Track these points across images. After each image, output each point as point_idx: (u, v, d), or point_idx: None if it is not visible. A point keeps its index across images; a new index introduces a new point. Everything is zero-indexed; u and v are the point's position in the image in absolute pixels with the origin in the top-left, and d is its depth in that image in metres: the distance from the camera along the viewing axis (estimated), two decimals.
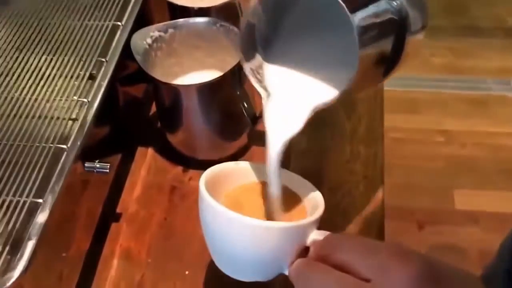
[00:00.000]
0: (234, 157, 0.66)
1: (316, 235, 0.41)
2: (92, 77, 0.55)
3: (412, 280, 0.33)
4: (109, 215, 0.62)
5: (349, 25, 0.38)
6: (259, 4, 0.43)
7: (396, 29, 0.42)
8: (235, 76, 0.59)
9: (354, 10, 0.38)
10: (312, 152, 0.67)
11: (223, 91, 0.60)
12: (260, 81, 0.46)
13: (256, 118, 0.65)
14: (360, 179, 0.63)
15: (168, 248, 0.59)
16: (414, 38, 0.43)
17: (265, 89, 0.46)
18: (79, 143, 0.50)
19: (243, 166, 0.50)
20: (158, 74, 0.60)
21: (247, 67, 0.46)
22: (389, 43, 0.43)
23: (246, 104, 0.63)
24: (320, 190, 0.47)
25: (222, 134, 0.64)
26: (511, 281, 0.66)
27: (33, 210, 0.45)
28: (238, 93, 0.62)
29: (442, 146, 1.70)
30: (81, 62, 0.56)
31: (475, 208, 1.53)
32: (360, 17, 0.38)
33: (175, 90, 0.60)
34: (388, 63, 0.44)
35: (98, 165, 0.54)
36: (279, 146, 0.44)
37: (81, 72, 0.56)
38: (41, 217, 0.44)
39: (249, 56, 0.46)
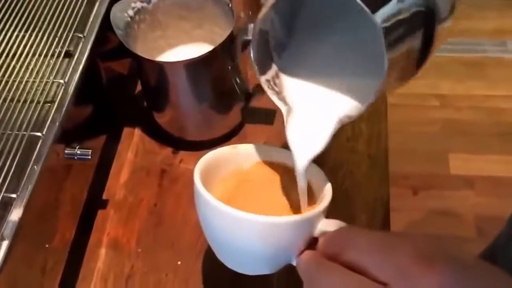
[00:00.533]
0: (227, 136, 0.62)
1: (324, 226, 0.38)
2: (68, 55, 0.51)
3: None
4: (95, 202, 0.58)
5: (371, 26, 0.34)
6: (271, 8, 0.38)
7: (424, 21, 0.37)
8: (226, 50, 0.55)
9: (375, 8, 0.33)
10: None
11: (213, 67, 0.56)
12: (278, 93, 0.42)
13: (250, 94, 0.61)
14: (363, 159, 0.59)
15: (158, 236, 0.56)
16: (443, 26, 0.38)
17: (285, 101, 0.42)
18: (56, 128, 0.46)
19: (240, 149, 0.46)
20: (142, 49, 0.55)
21: (263, 79, 0.42)
22: (418, 38, 0.38)
23: (239, 79, 0.59)
24: None
25: (213, 112, 0.60)
26: None
27: (7, 205, 0.41)
28: (229, 68, 0.57)
29: (437, 110, 1.68)
30: (56, 39, 0.52)
31: (470, 172, 1.52)
32: (383, 16, 0.34)
33: (160, 68, 0.55)
34: (417, 58, 0.39)
35: (79, 152, 0.50)
36: (305, 163, 0.40)
37: (56, 50, 0.51)
38: (15, 214, 0.41)
39: (264, 67, 0.42)
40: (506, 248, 0.72)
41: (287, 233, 0.38)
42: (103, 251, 0.55)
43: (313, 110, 0.41)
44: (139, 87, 0.67)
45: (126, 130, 0.64)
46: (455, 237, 1.37)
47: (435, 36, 0.38)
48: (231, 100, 0.60)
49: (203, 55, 0.52)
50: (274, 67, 0.43)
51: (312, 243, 0.39)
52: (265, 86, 0.42)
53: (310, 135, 0.40)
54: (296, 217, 0.39)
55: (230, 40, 0.54)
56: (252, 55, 0.40)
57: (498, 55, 1.81)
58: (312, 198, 0.43)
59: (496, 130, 1.61)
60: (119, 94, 0.66)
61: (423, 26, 0.37)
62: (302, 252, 0.38)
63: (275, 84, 0.42)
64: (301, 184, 0.41)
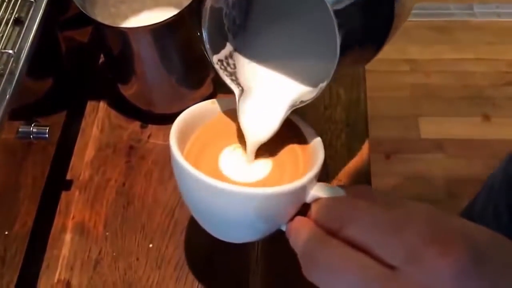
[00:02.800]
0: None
1: (316, 191, 0.36)
2: (18, 22, 0.46)
3: (455, 277, 0.26)
4: (58, 184, 0.54)
5: (325, 9, 0.32)
6: None
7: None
8: (194, 13, 0.50)
9: None
10: None
11: (180, 32, 0.52)
12: (231, 74, 0.41)
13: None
14: (342, 128, 0.56)
15: (128, 218, 0.53)
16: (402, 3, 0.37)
17: (238, 83, 0.41)
18: (5, 104, 0.41)
19: (215, 103, 0.43)
20: (102, 15, 0.50)
21: (215, 59, 0.40)
22: (376, 18, 0.37)
23: None
24: None
25: (182, 83, 0.56)
26: None
27: None
28: (198, 34, 0.53)
29: (407, 75, 1.68)
30: (4, 4, 0.46)
31: (440, 135, 1.54)
32: None
33: (123, 35, 0.51)
34: (378, 36, 0.38)
35: (35, 130, 0.45)
36: (254, 147, 0.40)
37: (4, 16, 0.46)
38: None
39: (217, 46, 0.40)
40: (483, 215, 0.71)
41: (278, 203, 0.36)
42: (68, 236, 0.52)
43: (266, 93, 0.41)
44: (102, 58, 0.62)
45: (89, 104, 0.60)
46: (426, 200, 1.39)
47: (394, 16, 0.37)
48: (202, 69, 0.56)
49: (168, 19, 0.48)
50: (229, 47, 0.41)
51: (302, 207, 0.36)
52: (217, 66, 0.40)
53: (262, 119, 0.40)
54: (289, 186, 0.35)
55: (198, 2, 0.49)
56: (203, 33, 0.39)
57: (465, 19, 1.81)
58: (304, 143, 0.41)
59: (464, 93, 1.62)
60: (80, 65, 0.61)
61: (380, 5, 0.36)
62: (292, 218, 0.36)
63: (228, 64, 0.41)
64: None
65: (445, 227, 0.28)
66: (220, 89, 0.59)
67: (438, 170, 1.47)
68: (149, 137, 0.58)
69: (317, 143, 0.40)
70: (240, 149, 0.42)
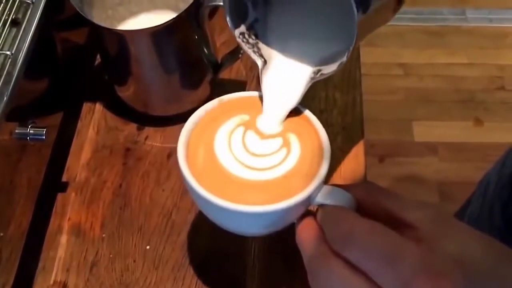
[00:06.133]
0: (196, 110, 0.58)
1: (322, 198, 0.36)
2: (16, 23, 0.45)
3: None
4: (54, 185, 0.54)
5: None
6: None
7: None
8: (192, 17, 0.51)
9: None
10: None
11: (178, 35, 0.52)
12: (253, 46, 0.41)
13: (219, 65, 0.57)
14: (338, 131, 0.57)
15: (125, 220, 0.52)
16: None
17: (260, 54, 0.41)
18: (3, 105, 0.41)
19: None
20: (99, 17, 0.50)
21: (237, 32, 0.41)
22: None
23: (206, 50, 0.55)
24: None
25: (180, 85, 0.56)
26: None
27: None
28: (196, 37, 0.53)
29: (400, 79, 1.69)
30: (1, 5, 0.46)
31: (433, 139, 1.55)
32: None
33: (120, 37, 0.51)
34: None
35: (31, 131, 0.45)
36: (280, 118, 0.40)
37: (1, 17, 0.45)
38: None
39: (238, 19, 0.41)
40: (477, 214, 0.72)
41: (288, 213, 0.37)
42: (64, 237, 0.51)
43: (287, 64, 0.41)
44: (98, 60, 0.62)
45: (85, 106, 0.59)
46: None
47: None
48: (199, 71, 0.56)
49: (166, 22, 0.48)
50: (250, 18, 0.41)
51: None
52: (239, 40, 0.41)
53: (284, 90, 0.40)
54: (297, 197, 0.36)
55: (196, 6, 0.50)
56: (225, 5, 0.39)
57: (458, 24, 1.83)
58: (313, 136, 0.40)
59: (457, 97, 1.64)
60: (76, 67, 0.61)
61: None
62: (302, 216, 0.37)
63: (250, 36, 0.41)
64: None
65: (439, 256, 0.29)
66: (216, 92, 0.59)
67: (432, 174, 1.48)
68: (145, 139, 0.57)
69: (325, 142, 0.39)
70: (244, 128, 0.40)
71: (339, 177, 0.54)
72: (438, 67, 1.70)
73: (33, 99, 0.51)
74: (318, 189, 0.36)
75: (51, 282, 0.49)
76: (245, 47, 0.41)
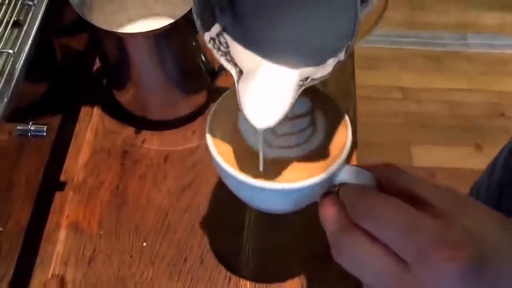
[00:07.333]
0: (193, 116, 0.60)
1: (344, 176, 0.37)
2: (18, 24, 0.47)
3: (456, 277, 0.28)
4: (52, 184, 0.55)
5: None
6: None
7: None
8: (189, 23, 0.52)
9: None
10: None
11: (175, 41, 0.53)
12: (225, 54, 0.36)
13: (215, 73, 0.58)
14: None
15: (122, 219, 0.54)
16: None
17: (234, 63, 0.36)
18: (5, 101, 0.43)
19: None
20: (99, 22, 0.52)
21: (207, 37, 0.35)
22: None
23: (203, 56, 0.57)
24: None
25: (177, 91, 0.58)
26: (501, 188, 0.63)
27: None
28: (193, 43, 0.55)
29: (399, 103, 1.69)
30: (4, 6, 0.48)
31: (432, 164, 1.54)
32: None
33: (119, 40, 0.52)
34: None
35: (33, 128, 0.47)
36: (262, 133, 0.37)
37: (3, 18, 0.47)
38: None
39: (209, 22, 0.36)
40: None
41: (312, 191, 0.38)
42: (62, 233, 0.53)
43: (269, 71, 0.36)
44: (97, 64, 0.64)
45: (84, 109, 0.61)
46: None
47: None
48: (196, 77, 0.58)
49: (164, 26, 0.50)
50: (219, 25, 0.36)
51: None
52: (209, 45, 0.35)
53: (268, 100, 0.35)
54: (322, 176, 0.37)
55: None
56: (194, 8, 0.34)
57: (458, 49, 1.83)
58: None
59: (456, 123, 1.63)
60: (76, 70, 0.63)
61: None
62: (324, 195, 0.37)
63: (220, 43, 0.36)
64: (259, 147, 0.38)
65: (457, 229, 0.30)
66: (214, 99, 0.61)
67: None
68: (143, 142, 0.59)
69: (349, 124, 0.40)
70: None
71: None
72: (437, 92, 1.70)
73: (31, 101, 0.51)
74: (341, 168, 0.38)
75: (49, 275, 0.50)
76: (216, 54, 0.36)
